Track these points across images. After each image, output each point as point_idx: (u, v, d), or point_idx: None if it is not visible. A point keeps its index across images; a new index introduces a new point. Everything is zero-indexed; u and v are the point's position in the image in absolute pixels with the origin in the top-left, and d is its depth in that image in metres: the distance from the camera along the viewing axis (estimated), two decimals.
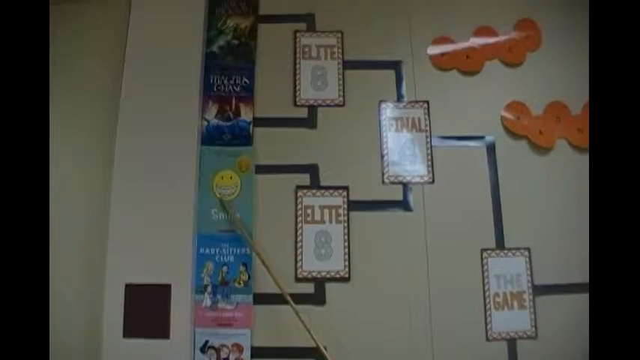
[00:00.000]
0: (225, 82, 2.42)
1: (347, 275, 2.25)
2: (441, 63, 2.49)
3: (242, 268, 2.23)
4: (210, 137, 2.36)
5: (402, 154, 2.38)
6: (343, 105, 2.43)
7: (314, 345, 2.14)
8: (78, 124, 2.37)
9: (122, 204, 2.22)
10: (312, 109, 2.42)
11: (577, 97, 2.46)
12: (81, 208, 2.29)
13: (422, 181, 2.35)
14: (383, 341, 2.21)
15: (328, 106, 2.42)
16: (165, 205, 2.22)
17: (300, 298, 2.21)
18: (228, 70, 2.43)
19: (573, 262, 2.31)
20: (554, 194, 2.37)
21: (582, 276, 2.29)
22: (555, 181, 2.39)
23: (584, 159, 2.39)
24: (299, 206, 2.31)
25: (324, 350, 2.06)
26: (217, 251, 2.25)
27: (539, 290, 2.29)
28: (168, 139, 2.27)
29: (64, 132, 2.30)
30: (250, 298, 2.21)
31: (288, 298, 2.10)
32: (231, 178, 2.31)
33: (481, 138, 2.41)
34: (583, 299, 2.26)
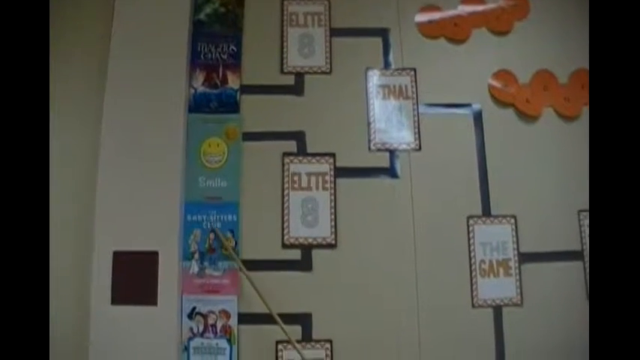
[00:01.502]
0: (213, 50, 2.40)
1: (333, 242, 2.25)
2: (429, 31, 2.48)
3: (229, 235, 2.24)
4: (197, 105, 2.35)
5: (389, 121, 2.38)
6: (330, 72, 2.42)
7: (300, 311, 2.19)
8: (63, 94, 2.32)
9: (109, 172, 2.21)
10: (299, 76, 2.41)
11: (564, 66, 2.46)
12: (68, 177, 2.27)
13: (408, 148, 2.35)
14: (368, 307, 2.22)
15: (315, 73, 2.41)
16: (153, 173, 2.22)
17: (286, 265, 2.23)
18: (215, 38, 2.41)
19: (559, 230, 2.33)
20: (541, 162, 2.38)
21: (568, 244, 2.33)
22: (542, 149, 2.39)
23: (571, 128, 2.41)
24: (286, 173, 2.31)
25: None
26: (204, 218, 2.25)
27: (524, 258, 2.29)
28: (155, 107, 2.27)
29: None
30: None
31: (277, 318, 2.10)
32: (218, 145, 2.31)
33: (468, 106, 2.41)
34: (568, 267, 2.30)
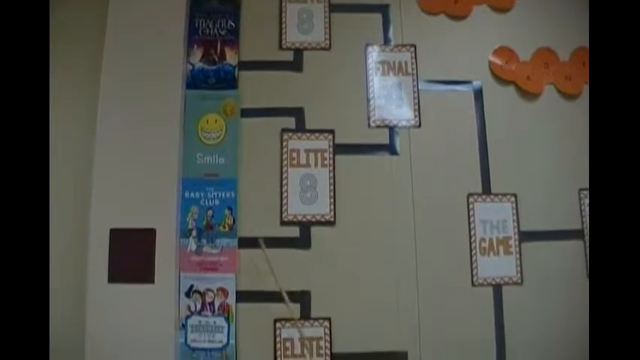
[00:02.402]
0: (211, 25, 2.38)
1: (332, 219, 2.23)
2: (429, 7, 2.45)
3: (227, 212, 2.22)
4: (194, 81, 2.32)
5: (389, 97, 2.35)
6: (329, 48, 2.39)
7: (299, 288, 2.17)
8: (59, 70, 2.28)
9: (106, 149, 2.19)
10: (298, 52, 2.38)
11: (565, 43, 2.44)
12: (65, 154, 2.25)
13: (408, 125, 2.33)
14: (368, 285, 2.20)
15: (314, 49, 2.39)
16: (150, 150, 2.20)
17: (285, 242, 2.22)
18: (213, 14, 2.39)
19: (560, 208, 2.32)
20: (542, 140, 2.36)
21: (568, 222, 2.31)
22: (543, 127, 2.37)
23: (572, 106, 2.39)
24: (284, 149, 2.29)
25: None
26: (202, 195, 2.23)
27: (525, 236, 2.28)
28: (152, 83, 2.24)
29: None
30: (235, 242, 2.20)
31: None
32: (216, 121, 2.29)
33: (468, 83, 2.39)
34: (569, 246, 2.29)
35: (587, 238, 2.28)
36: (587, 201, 2.31)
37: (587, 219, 2.30)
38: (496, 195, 2.30)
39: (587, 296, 2.14)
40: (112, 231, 2.13)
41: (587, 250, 2.27)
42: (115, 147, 2.19)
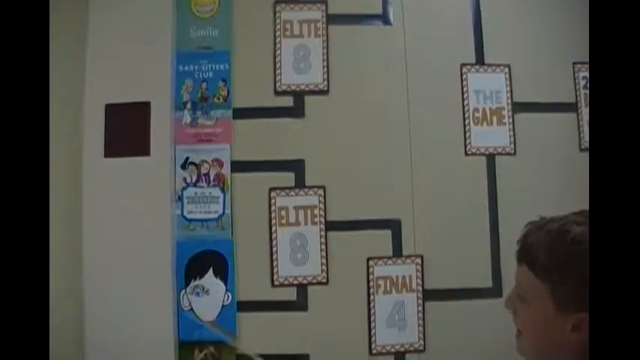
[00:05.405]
0: None
1: (326, 88, 2.23)
2: None
3: (221, 83, 2.22)
4: None
5: None
6: None
7: (293, 157, 2.20)
8: None
9: (99, 25, 2.19)
10: None
11: None
12: (57, 32, 2.20)
13: None
14: (361, 153, 2.22)
15: None
16: (144, 24, 2.20)
17: (278, 112, 2.23)
18: None
19: (554, 81, 2.31)
20: (537, 12, 2.33)
21: (562, 95, 2.31)
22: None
23: None
24: (277, 21, 2.27)
25: None
26: (196, 68, 2.23)
27: (518, 107, 2.28)
28: None
29: None
30: (230, 113, 2.21)
31: None
32: None
33: None
34: (562, 118, 2.29)
35: (580, 110, 2.29)
36: (581, 74, 2.30)
37: (581, 92, 2.30)
38: (489, 65, 2.29)
39: (579, 168, 2.19)
40: (107, 106, 2.15)
41: (580, 122, 2.28)
42: (108, 23, 2.20)
